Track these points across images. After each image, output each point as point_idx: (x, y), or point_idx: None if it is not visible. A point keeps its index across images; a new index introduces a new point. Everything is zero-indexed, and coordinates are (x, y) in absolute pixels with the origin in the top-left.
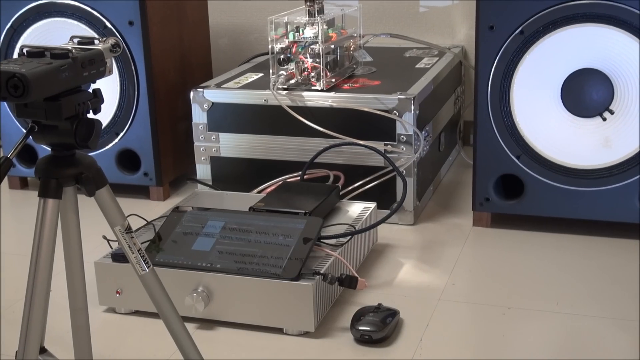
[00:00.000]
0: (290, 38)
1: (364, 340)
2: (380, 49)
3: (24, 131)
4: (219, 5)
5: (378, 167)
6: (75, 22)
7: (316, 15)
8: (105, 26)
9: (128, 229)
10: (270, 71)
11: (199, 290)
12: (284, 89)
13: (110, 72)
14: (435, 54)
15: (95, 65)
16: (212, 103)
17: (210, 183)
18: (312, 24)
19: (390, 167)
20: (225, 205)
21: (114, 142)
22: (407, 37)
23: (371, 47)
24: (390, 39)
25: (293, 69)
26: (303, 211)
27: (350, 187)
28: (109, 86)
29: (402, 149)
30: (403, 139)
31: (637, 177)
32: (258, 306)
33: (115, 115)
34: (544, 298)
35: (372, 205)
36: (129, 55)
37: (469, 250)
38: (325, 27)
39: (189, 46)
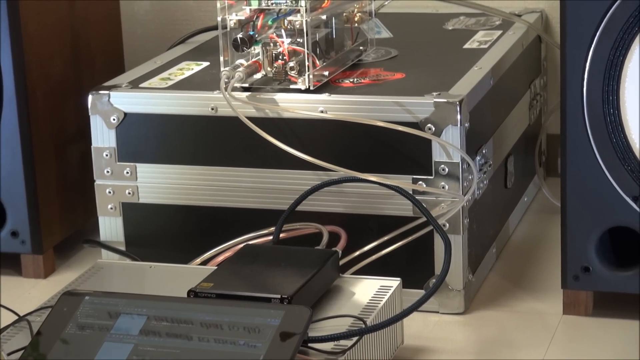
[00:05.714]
0: (254, 4)
1: None
2: (404, 17)
3: None
4: None
5: (403, 219)
6: None
7: None
8: None
9: None
10: (221, 59)
11: None
12: (244, 90)
13: None
14: (497, 25)
15: None
16: (125, 114)
17: (123, 248)
18: None
19: (424, 219)
20: (147, 287)
21: None
22: None
23: (389, 13)
24: (422, 0)
25: (259, 55)
26: (279, 296)
27: (358, 253)
28: None
29: (444, 187)
30: (444, 170)
31: None
32: None
33: None
34: None
35: (394, 282)
36: None
37: (558, 356)
38: None
39: (86, 16)
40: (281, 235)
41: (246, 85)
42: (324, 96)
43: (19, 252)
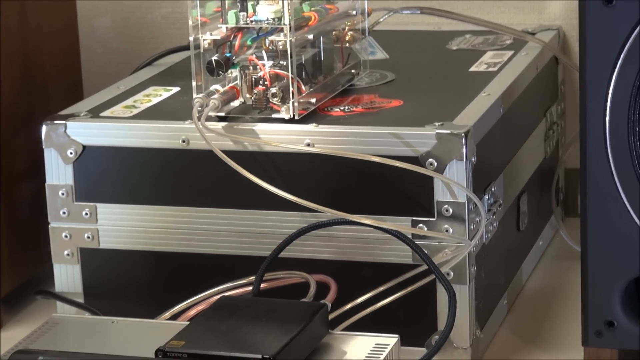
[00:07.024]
0: (231, 22)
1: None
2: (402, 35)
3: None
4: None
5: (401, 267)
6: None
7: None
8: None
9: None
10: (194, 84)
11: None
12: (220, 119)
13: None
14: (507, 44)
15: None
16: (84, 147)
17: (82, 300)
18: None
19: (425, 266)
20: (109, 345)
21: None
22: (454, 14)
23: (385, 31)
24: (422, 16)
25: (236, 80)
26: (260, 355)
27: (350, 305)
28: None
29: (447, 230)
30: (448, 211)
31: None
32: None
33: None
34: None
35: (391, 339)
36: None
37: None
38: None
39: (38, 34)
40: (262, 285)
41: (222, 114)
42: (311, 127)
43: None
